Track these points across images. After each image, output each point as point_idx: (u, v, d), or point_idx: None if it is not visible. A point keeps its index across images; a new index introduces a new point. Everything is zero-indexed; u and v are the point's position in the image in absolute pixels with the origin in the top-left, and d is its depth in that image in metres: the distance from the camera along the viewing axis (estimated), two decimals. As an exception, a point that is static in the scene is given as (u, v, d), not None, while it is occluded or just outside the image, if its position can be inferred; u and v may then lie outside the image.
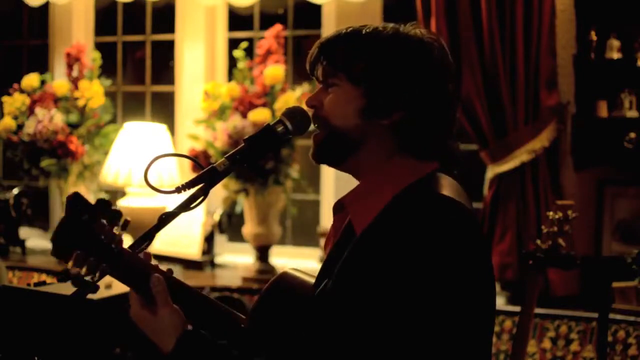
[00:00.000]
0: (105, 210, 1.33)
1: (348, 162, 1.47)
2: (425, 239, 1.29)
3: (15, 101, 3.98)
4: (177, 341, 1.39)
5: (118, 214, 1.33)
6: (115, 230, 1.37)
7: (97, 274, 1.36)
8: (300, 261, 3.98)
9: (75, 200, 1.32)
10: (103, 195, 4.12)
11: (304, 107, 1.54)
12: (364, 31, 1.44)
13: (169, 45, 4.33)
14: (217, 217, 3.96)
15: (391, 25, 1.46)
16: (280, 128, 1.48)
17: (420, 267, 1.27)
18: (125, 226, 1.36)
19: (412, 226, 1.30)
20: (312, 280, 1.49)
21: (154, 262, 1.49)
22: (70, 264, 1.34)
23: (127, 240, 3.81)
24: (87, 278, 1.35)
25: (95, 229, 1.34)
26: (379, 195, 1.40)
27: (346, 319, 1.31)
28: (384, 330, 1.27)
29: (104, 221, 1.36)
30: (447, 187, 1.40)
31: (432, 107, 1.42)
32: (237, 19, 4.24)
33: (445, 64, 1.44)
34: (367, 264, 1.32)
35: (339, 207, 1.49)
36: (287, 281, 1.50)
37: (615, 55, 3.16)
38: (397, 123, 1.42)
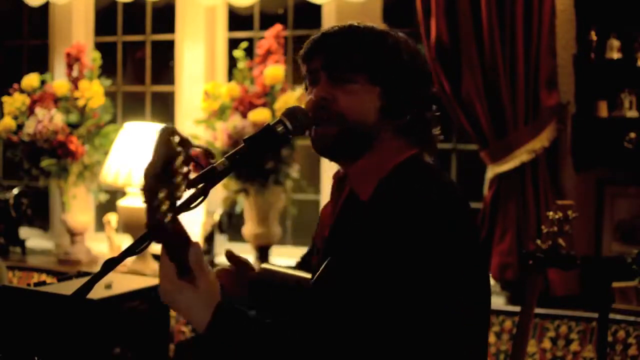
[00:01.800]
0: (187, 149, 1.20)
1: (357, 157, 1.54)
2: (424, 209, 1.39)
3: (15, 101, 3.98)
4: (214, 312, 1.34)
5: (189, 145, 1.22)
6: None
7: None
8: (300, 261, 3.98)
9: (172, 132, 1.18)
10: (103, 195, 4.12)
11: (304, 107, 1.54)
12: (374, 29, 1.54)
13: (169, 45, 4.33)
14: (217, 217, 3.97)
15: (386, 29, 1.57)
16: (280, 128, 1.48)
17: (419, 236, 1.37)
18: (210, 155, 1.32)
19: (410, 197, 1.41)
20: (294, 272, 1.55)
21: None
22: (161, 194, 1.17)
23: (127, 241, 3.82)
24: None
25: (184, 164, 1.20)
26: (376, 168, 1.51)
27: (357, 285, 1.37)
28: (387, 298, 1.34)
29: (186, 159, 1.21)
30: (431, 162, 1.58)
31: (434, 106, 1.57)
32: (237, 19, 4.24)
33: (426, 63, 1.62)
34: (373, 233, 1.39)
35: (339, 184, 1.58)
36: (271, 275, 1.55)
37: (615, 55, 3.16)
38: (407, 121, 1.53)
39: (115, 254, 1.51)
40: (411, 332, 1.35)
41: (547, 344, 3.04)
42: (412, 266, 1.35)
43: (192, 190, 1.40)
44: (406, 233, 1.37)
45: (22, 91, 4.03)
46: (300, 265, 1.78)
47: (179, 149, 1.19)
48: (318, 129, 1.52)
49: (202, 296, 1.33)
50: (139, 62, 4.52)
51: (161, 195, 1.17)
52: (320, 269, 1.45)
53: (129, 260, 3.59)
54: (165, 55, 4.41)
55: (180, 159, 1.18)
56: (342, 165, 1.60)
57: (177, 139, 1.19)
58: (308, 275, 1.49)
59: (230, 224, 4.01)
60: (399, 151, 1.53)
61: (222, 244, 4.06)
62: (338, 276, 1.41)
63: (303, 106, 1.55)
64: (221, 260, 4.03)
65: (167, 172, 1.17)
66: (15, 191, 4.21)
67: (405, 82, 1.52)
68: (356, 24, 1.55)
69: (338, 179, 1.62)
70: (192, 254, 1.31)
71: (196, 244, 1.33)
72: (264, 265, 1.58)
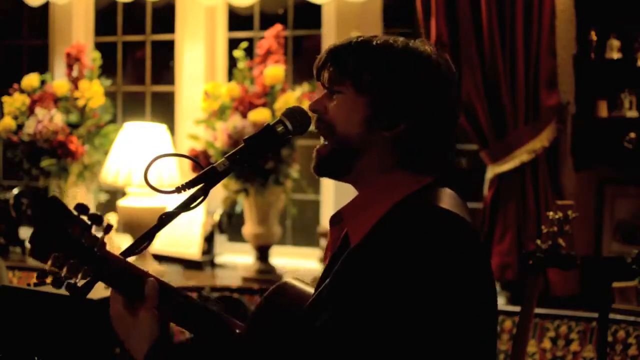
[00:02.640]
0: (85, 214, 1.31)
1: (350, 173, 1.45)
2: (419, 252, 1.26)
3: (15, 101, 3.98)
4: (150, 347, 1.39)
5: (99, 218, 1.32)
6: (98, 234, 1.36)
7: (79, 276, 1.36)
8: (300, 261, 3.99)
9: (52, 203, 1.31)
10: (103, 195, 4.12)
11: (304, 107, 1.54)
12: (374, 42, 1.44)
13: (169, 45, 4.33)
14: (217, 217, 3.96)
15: (401, 39, 1.45)
16: (280, 128, 1.48)
17: (412, 281, 1.25)
18: (109, 230, 1.34)
19: (405, 239, 1.28)
20: (312, 291, 1.48)
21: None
22: (48, 264, 1.35)
23: (127, 241, 3.82)
24: (71, 281, 1.35)
25: (72, 231, 1.32)
26: (375, 208, 1.38)
27: (337, 331, 1.29)
28: (373, 345, 1.25)
29: (87, 224, 1.33)
30: (445, 198, 1.39)
31: (433, 122, 1.42)
32: (237, 19, 4.24)
33: (450, 81, 1.44)
34: (359, 276, 1.29)
35: (337, 219, 1.48)
36: (286, 290, 1.49)
37: (615, 55, 3.16)
38: (399, 136, 1.41)
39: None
40: None
41: (547, 344, 3.04)
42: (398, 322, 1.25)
43: (192, 190, 1.41)
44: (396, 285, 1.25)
45: (22, 91, 4.03)
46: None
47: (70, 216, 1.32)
48: (319, 148, 1.47)
49: (142, 329, 1.40)
50: (139, 62, 4.52)
51: (49, 263, 1.35)
52: (311, 300, 1.43)
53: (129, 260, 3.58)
54: (165, 55, 4.41)
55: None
56: (345, 182, 1.51)
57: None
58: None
59: (230, 224, 4.01)
60: (400, 185, 1.41)
61: (222, 244, 4.06)
62: (323, 314, 1.35)
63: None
64: (221, 260, 4.03)
65: (51, 239, 1.33)
66: (15, 191, 4.21)
67: (394, 91, 1.41)
68: (361, 36, 1.48)
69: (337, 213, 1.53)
70: (148, 289, 1.41)
71: (151, 280, 1.42)
72: (288, 280, 1.54)
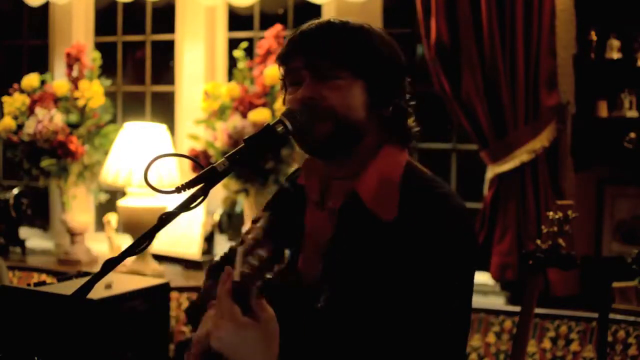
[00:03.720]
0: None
1: (347, 154, 1.56)
2: (458, 226, 1.48)
3: (15, 101, 3.98)
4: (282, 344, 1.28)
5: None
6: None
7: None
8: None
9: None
10: (103, 195, 4.12)
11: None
12: (352, 24, 1.55)
13: (169, 45, 4.33)
14: (217, 217, 3.96)
15: (361, 22, 1.59)
16: (280, 128, 1.48)
17: (452, 251, 1.46)
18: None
19: (436, 213, 1.47)
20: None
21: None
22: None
23: (127, 241, 3.82)
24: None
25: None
26: (389, 183, 1.53)
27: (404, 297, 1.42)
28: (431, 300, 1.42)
29: None
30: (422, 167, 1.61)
31: (409, 99, 1.60)
32: (237, 19, 4.24)
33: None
34: (408, 250, 1.44)
35: (325, 196, 1.58)
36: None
37: (615, 55, 3.16)
38: (390, 114, 1.55)
39: (115, 254, 1.51)
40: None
41: (547, 344, 3.04)
42: (454, 277, 1.47)
43: (192, 190, 1.40)
44: (450, 249, 1.46)
45: (22, 91, 4.03)
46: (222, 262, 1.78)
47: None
48: (318, 129, 1.51)
49: (272, 329, 1.26)
50: (139, 62, 4.52)
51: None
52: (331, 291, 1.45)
53: (129, 260, 3.59)
54: (165, 55, 4.41)
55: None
56: (330, 165, 1.59)
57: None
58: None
59: (230, 224, 4.01)
60: (395, 157, 1.58)
61: (222, 244, 4.06)
62: (370, 298, 1.44)
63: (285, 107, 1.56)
64: (221, 260, 4.03)
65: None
66: (15, 191, 4.21)
67: (387, 74, 1.55)
68: (332, 20, 1.56)
69: (325, 189, 1.61)
70: (254, 293, 1.24)
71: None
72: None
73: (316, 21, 1.56)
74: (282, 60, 1.57)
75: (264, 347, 1.24)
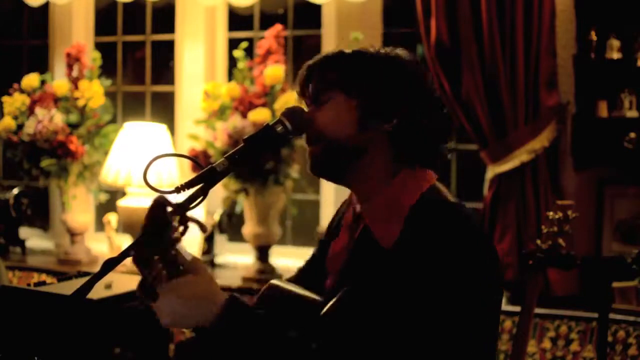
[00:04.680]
0: (180, 216, 1.26)
1: (348, 174, 1.52)
2: (455, 253, 1.37)
3: (15, 101, 3.98)
4: (226, 300, 1.32)
5: (186, 220, 1.27)
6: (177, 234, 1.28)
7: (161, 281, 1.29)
8: (300, 261, 3.97)
9: (160, 206, 1.26)
10: (103, 195, 4.12)
11: (304, 107, 1.55)
12: (348, 50, 1.54)
13: (169, 45, 4.33)
14: (217, 217, 3.96)
15: (363, 47, 1.57)
16: (279, 128, 1.49)
17: (455, 276, 1.36)
18: (185, 232, 1.30)
19: (439, 241, 1.38)
20: (303, 292, 1.51)
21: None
22: (149, 270, 1.26)
23: (127, 241, 3.82)
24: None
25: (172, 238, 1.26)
26: (396, 209, 1.46)
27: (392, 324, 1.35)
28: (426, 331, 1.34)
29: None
30: (447, 194, 1.51)
31: (421, 114, 1.50)
32: (237, 19, 4.24)
33: (422, 74, 1.55)
34: (405, 277, 1.36)
35: (353, 220, 1.53)
36: (279, 292, 1.51)
37: (615, 55, 3.16)
38: (395, 129, 1.49)
39: (115, 254, 1.51)
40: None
41: (547, 344, 3.04)
42: (445, 317, 1.35)
43: (191, 190, 1.40)
44: (440, 281, 1.35)
45: (22, 91, 4.03)
46: (298, 279, 1.75)
47: (171, 217, 1.25)
48: (308, 150, 1.54)
49: (211, 284, 1.32)
50: (139, 62, 4.52)
51: (154, 263, 1.26)
52: (332, 303, 1.43)
53: (129, 260, 3.58)
54: (165, 55, 4.41)
55: (171, 228, 1.25)
56: (346, 186, 1.57)
57: (169, 208, 1.26)
58: (317, 298, 1.48)
59: (230, 224, 4.01)
60: (413, 184, 1.49)
61: (222, 244, 4.06)
62: (355, 315, 1.39)
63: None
64: (221, 260, 4.03)
65: (160, 240, 1.25)
66: (15, 191, 4.21)
67: (383, 89, 1.49)
68: (341, 49, 1.56)
69: (354, 214, 1.58)
70: (195, 259, 1.31)
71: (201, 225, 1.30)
72: (273, 282, 1.55)
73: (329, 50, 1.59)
74: (298, 90, 1.60)
75: (205, 292, 1.31)
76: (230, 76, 3.91)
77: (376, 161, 1.50)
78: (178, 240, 1.26)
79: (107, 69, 4.18)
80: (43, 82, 4.09)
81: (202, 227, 1.29)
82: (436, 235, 1.38)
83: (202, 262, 1.34)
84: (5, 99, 4.02)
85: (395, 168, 1.50)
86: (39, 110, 3.92)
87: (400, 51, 1.56)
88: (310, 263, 1.78)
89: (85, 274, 2.76)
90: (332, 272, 1.59)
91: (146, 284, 1.26)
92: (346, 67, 1.51)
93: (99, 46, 4.41)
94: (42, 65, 4.47)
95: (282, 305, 1.49)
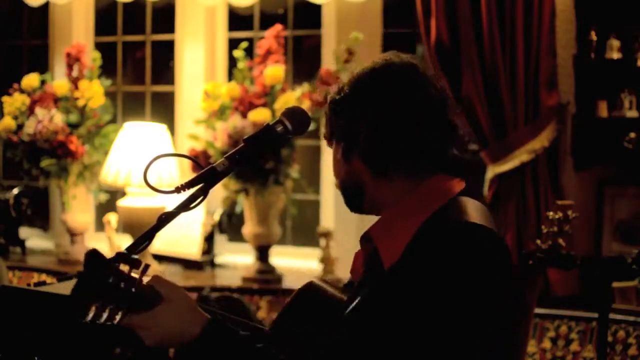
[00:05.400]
0: (124, 260, 1.31)
1: (366, 205, 1.53)
2: (455, 272, 1.30)
3: (15, 101, 3.97)
4: (206, 321, 1.36)
5: (137, 261, 1.33)
6: (134, 273, 1.33)
7: (118, 316, 1.34)
8: (300, 261, 3.99)
9: (93, 257, 1.31)
10: (103, 195, 4.12)
11: (304, 107, 1.56)
12: (339, 95, 1.50)
13: (169, 45, 4.33)
14: (217, 217, 3.96)
15: (369, 66, 1.50)
16: (280, 128, 1.49)
17: (451, 302, 1.29)
18: (145, 270, 1.35)
19: (440, 260, 1.31)
20: (338, 294, 1.54)
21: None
22: (90, 314, 1.31)
23: (127, 241, 3.82)
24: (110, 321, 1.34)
25: (112, 281, 1.30)
26: (404, 227, 1.40)
27: (385, 344, 1.32)
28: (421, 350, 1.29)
29: (124, 274, 1.32)
30: (472, 211, 1.41)
31: (400, 120, 1.44)
32: (237, 19, 4.24)
33: (413, 80, 1.46)
34: (396, 299, 1.32)
35: (366, 239, 1.51)
36: (314, 292, 1.54)
37: (615, 55, 3.16)
38: (364, 146, 1.46)
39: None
40: None
41: (547, 344, 3.04)
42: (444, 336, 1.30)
43: (191, 190, 1.41)
44: (435, 300, 1.30)
45: (22, 91, 4.03)
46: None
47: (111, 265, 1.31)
48: None
49: (187, 305, 1.37)
50: (139, 62, 4.51)
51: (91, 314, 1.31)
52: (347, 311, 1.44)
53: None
54: (165, 55, 4.41)
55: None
56: (371, 214, 1.57)
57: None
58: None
59: (230, 224, 4.01)
60: (426, 200, 1.43)
61: (222, 244, 4.06)
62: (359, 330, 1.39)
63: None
64: (221, 260, 4.03)
65: (93, 294, 1.30)
66: (15, 191, 4.21)
67: (348, 122, 1.47)
68: (337, 89, 1.53)
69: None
70: (160, 282, 1.36)
71: (156, 276, 1.37)
72: (313, 280, 1.58)
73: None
74: None
75: (184, 320, 1.36)
76: (230, 76, 3.91)
77: (379, 188, 1.48)
78: (132, 280, 1.31)
79: (107, 69, 4.18)
80: (43, 82, 4.08)
81: (142, 269, 1.32)
82: (433, 257, 1.31)
83: (179, 289, 1.38)
84: (5, 99, 4.02)
85: (410, 185, 1.45)
86: (39, 110, 3.92)
87: (393, 57, 1.49)
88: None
89: (85, 274, 2.76)
90: (354, 280, 1.59)
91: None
92: (331, 118, 1.53)
93: (99, 46, 4.41)
94: (42, 65, 4.47)
95: (313, 303, 1.51)
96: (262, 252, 3.71)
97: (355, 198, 1.52)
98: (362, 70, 1.50)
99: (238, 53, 3.71)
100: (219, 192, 3.77)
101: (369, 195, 1.50)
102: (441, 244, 1.32)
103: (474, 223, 1.36)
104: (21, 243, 4.23)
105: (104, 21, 4.52)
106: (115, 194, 4.20)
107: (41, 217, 4.53)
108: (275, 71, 3.57)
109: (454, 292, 1.29)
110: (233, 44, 4.03)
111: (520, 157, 3.29)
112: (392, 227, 1.43)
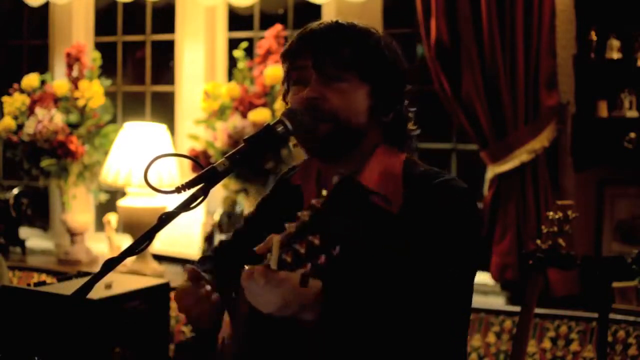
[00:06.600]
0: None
1: (345, 154, 1.56)
2: (460, 206, 1.51)
3: (15, 101, 3.98)
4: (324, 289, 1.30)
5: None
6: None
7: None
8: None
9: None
10: (103, 195, 4.12)
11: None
12: (348, 24, 1.55)
13: (169, 45, 4.33)
14: (217, 217, 3.97)
15: (366, 25, 1.59)
16: (280, 128, 1.48)
17: (461, 232, 1.49)
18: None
19: (449, 199, 1.49)
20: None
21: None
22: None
23: (127, 241, 3.82)
24: None
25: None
26: (392, 177, 1.53)
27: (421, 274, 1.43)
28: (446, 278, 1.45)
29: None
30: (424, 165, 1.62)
31: (410, 103, 1.62)
32: (237, 19, 4.24)
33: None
34: (418, 236, 1.45)
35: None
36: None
37: (615, 55, 3.16)
38: (391, 120, 1.57)
39: (115, 254, 1.51)
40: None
41: (547, 344, 3.04)
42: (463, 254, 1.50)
43: (192, 190, 1.41)
44: (449, 238, 1.47)
45: (22, 91, 4.03)
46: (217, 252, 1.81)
47: None
48: (317, 130, 1.52)
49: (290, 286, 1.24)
50: (139, 62, 4.52)
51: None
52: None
53: (129, 260, 3.59)
54: (165, 55, 4.41)
55: None
56: (328, 165, 1.59)
57: None
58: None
59: (230, 224, 4.01)
60: (393, 154, 1.59)
61: (222, 244, 4.06)
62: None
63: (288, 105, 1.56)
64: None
65: None
66: (15, 191, 4.21)
67: (392, 80, 1.56)
68: (341, 21, 1.56)
69: (318, 186, 1.62)
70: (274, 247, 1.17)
71: (270, 239, 1.20)
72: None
73: (325, 21, 1.56)
74: (288, 56, 1.56)
75: (301, 295, 1.25)
76: (230, 76, 3.91)
77: (367, 143, 1.57)
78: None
79: (107, 69, 4.18)
80: (43, 82, 4.09)
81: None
82: (435, 196, 1.49)
83: None
84: (5, 99, 4.02)
85: (380, 144, 1.59)
86: (39, 110, 3.92)
87: (386, 35, 1.61)
88: (235, 241, 1.81)
89: (85, 274, 2.77)
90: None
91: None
92: (362, 48, 1.52)
93: (99, 46, 4.41)
94: (42, 65, 4.47)
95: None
96: (262, 252, 3.70)
97: (348, 145, 1.55)
98: (376, 32, 1.57)
99: (238, 53, 3.71)
100: (219, 192, 3.77)
101: (356, 148, 1.56)
102: (438, 189, 1.50)
103: (440, 170, 1.57)
104: (21, 243, 4.23)
105: (104, 21, 4.52)
106: (115, 194, 4.20)
107: (41, 217, 4.53)
108: (275, 71, 3.57)
109: (465, 235, 1.50)
110: (233, 44, 4.03)
111: (520, 157, 3.29)
112: (382, 179, 1.54)
